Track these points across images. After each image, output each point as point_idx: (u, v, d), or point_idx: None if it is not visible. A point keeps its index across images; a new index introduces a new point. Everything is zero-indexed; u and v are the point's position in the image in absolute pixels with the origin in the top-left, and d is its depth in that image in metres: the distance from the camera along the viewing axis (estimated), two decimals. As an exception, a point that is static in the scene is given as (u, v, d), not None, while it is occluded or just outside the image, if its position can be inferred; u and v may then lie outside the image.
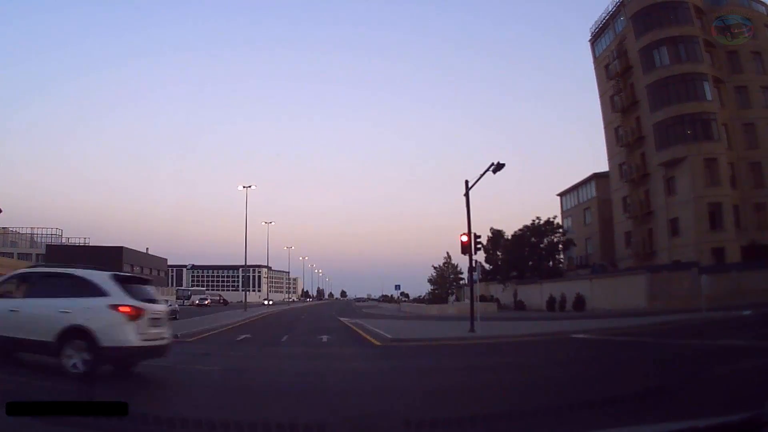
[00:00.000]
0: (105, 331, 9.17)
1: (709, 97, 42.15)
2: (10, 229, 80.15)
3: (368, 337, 21.81)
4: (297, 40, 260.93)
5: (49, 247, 79.70)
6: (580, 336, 20.29)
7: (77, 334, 9.19)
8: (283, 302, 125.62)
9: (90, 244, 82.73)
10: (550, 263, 55.46)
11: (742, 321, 22.60)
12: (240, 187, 56.08)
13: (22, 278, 10.66)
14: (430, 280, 75.94)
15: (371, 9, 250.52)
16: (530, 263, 54.57)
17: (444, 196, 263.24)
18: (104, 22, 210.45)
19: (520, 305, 51.54)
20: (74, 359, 9.21)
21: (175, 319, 31.99)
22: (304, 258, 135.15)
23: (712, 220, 41.12)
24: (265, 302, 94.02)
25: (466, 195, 23.86)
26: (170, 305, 35.08)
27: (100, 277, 9.88)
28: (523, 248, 54.81)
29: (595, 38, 54.04)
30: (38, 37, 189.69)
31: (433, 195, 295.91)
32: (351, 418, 6.52)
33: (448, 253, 71.70)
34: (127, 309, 9.37)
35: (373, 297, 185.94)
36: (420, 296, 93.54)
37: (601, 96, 53.53)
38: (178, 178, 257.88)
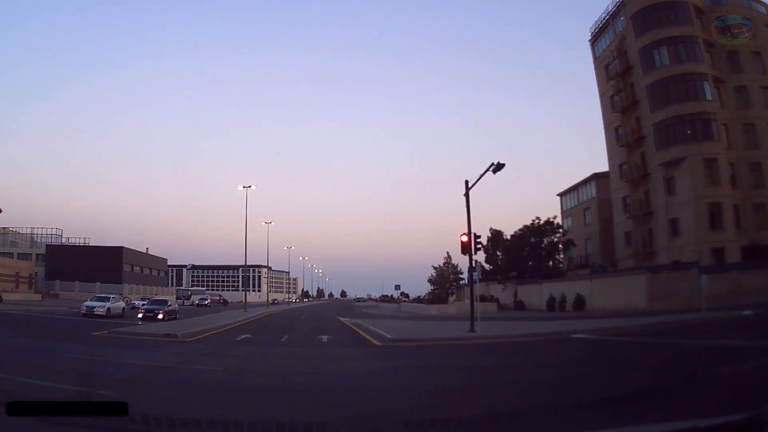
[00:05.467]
0: None
1: (709, 97, 42.13)
2: (10, 229, 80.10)
3: (368, 337, 21.81)
4: (296, 43, 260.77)
5: (49, 247, 79.65)
6: (580, 336, 20.28)
7: None
8: (282, 302, 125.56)
9: (90, 244, 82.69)
10: (550, 263, 55.43)
11: (742, 321, 22.59)
12: (240, 187, 56.03)
13: None
14: (430, 280, 75.84)
15: (371, 11, 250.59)
16: (530, 263, 54.57)
17: (444, 196, 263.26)
18: (106, 25, 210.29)
19: (520, 305, 51.53)
20: None
21: (174, 319, 32.04)
22: (304, 258, 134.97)
23: (712, 220, 41.10)
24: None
25: (466, 195, 23.85)
26: (170, 305, 35.13)
27: None
28: (523, 248, 54.80)
29: (595, 38, 54.03)
30: (40, 39, 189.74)
31: (433, 195, 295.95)
32: (351, 418, 6.52)
33: (448, 253, 71.67)
34: None
35: (373, 297, 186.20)
36: (420, 296, 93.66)
37: (601, 96, 53.52)
38: (178, 178, 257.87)
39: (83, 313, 32.78)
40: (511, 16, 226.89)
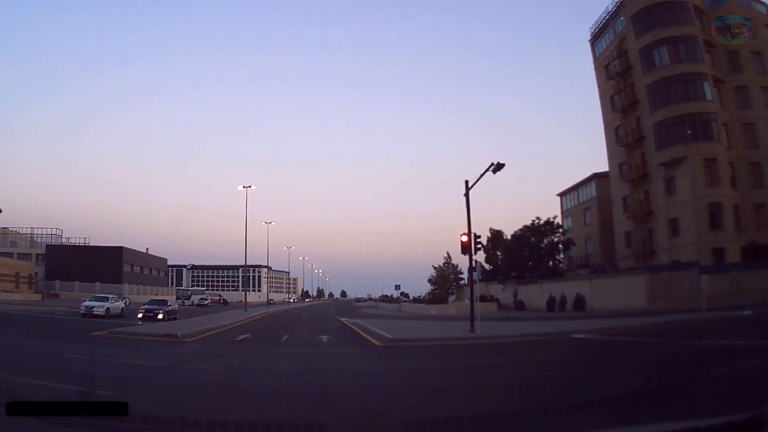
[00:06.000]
0: None
1: (709, 97, 42.13)
2: (10, 229, 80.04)
3: (368, 337, 21.82)
4: (297, 43, 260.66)
5: (49, 247, 79.60)
6: (580, 336, 20.29)
7: None
8: (281, 302, 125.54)
9: (90, 244, 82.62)
10: (550, 263, 55.43)
11: (742, 321, 22.59)
12: (240, 187, 55.96)
13: None
14: (430, 280, 75.84)
15: (372, 11, 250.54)
16: (530, 263, 54.56)
17: (444, 196, 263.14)
18: (106, 24, 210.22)
19: (520, 305, 51.53)
20: None
21: (174, 319, 31.95)
22: (304, 258, 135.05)
23: (712, 220, 41.10)
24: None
25: (466, 195, 23.85)
26: (170, 305, 35.00)
27: None
28: (523, 248, 54.80)
29: (595, 38, 54.04)
30: (40, 39, 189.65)
31: (433, 195, 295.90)
32: (351, 418, 6.52)
33: (448, 253, 71.68)
34: None
35: (373, 297, 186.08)
36: (420, 296, 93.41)
37: (601, 96, 53.53)
38: (178, 178, 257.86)
39: (82, 313, 32.70)
40: (511, 16, 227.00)
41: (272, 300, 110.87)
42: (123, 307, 37.47)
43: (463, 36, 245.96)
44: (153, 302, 34.62)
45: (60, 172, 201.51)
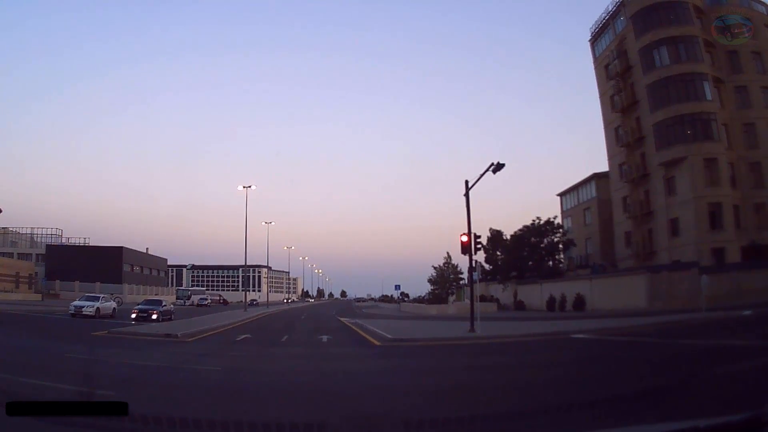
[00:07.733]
0: None
1: (709, 97, 42.12)
2: (10, 229, 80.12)
3: (368, 337, 21.82)
4: (297, 43, 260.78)
5: (49, 247, 79.65)
6: (580, 336, 20.28)
7: None
8: (282, 302, 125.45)
9: (90, 244, 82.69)
10: (550, 263, 55.43)
11: (742, 321, 22.59)
12: (240, 187, 55.95)
13: None
14: (430, 280, 75.76)
15: (371, 12, 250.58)
16: (530, 263, 54.55)
17: (444, 196, 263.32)
18: (106, 25, 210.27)
19: (520, 305, 51.53)
20: None
21: (169, 320, 31.41)
22: (304, 258, 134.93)
23: (712, 220, 41.10)
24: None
25: (466, 195, 23.86)
26: (164, 305, 34.18)
27: None
28: (523, 248, 54.78)
29: (595, 38, 54.04)
30: (40, 39, 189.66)
31: (434, 195, 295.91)
32: (351, 418, 6.52)
33: (448, 253, 71.58)
34: None
35: (373, 297, 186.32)
36: (420, 296, 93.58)
37: (601, 96, 53.52)
38: (178, 178, 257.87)
39: (71, 313, 31.77)
40: (511, 16, 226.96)
41: (254, 300, 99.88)
42: (114, 307, 36.44)
43: (463, 36, 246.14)
44: (147, 302, 33.57)
45: (60, 172, 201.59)
